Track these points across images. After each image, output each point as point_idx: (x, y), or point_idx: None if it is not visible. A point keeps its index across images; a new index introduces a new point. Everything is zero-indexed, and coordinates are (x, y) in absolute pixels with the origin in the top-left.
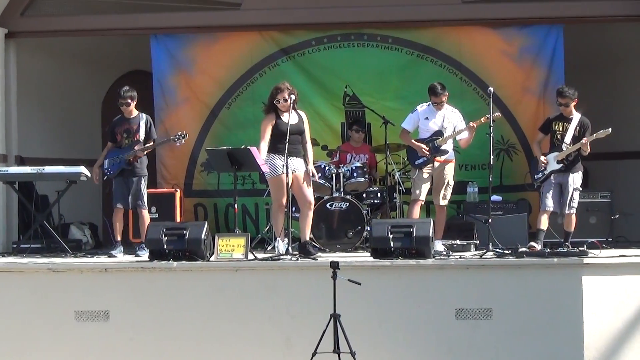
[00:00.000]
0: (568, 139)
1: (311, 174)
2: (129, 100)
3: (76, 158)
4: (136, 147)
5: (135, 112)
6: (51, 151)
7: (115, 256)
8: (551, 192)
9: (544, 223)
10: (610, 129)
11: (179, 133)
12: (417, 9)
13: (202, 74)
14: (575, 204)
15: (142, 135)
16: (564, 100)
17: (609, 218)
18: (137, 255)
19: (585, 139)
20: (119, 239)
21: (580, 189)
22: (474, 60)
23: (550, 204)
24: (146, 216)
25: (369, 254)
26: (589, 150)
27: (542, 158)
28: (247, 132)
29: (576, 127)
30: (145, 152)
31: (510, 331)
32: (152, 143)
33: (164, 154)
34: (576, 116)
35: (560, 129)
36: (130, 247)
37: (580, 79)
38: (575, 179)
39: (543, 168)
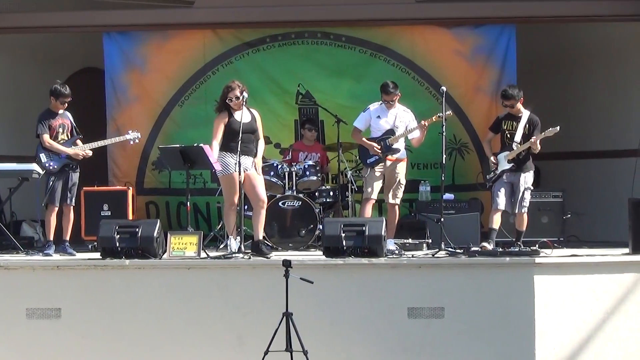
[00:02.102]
0: (518, 137)
1: (256, 168)
2: (70, 97)
3: (28, 155)
4: (80, 143)
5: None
6: (3, 148)
7: (52, 255)
8: (503, 191)
9: (496, 222)
10: (558, 127)
11: (131, 131)
12: (371, 8)
13: (155, 71)
14: (526, 204)
15: (75, 130)
16: (509, 102)
17: (561, 218)
18: (69, 254)
19: (534, 137)
20: (52, 238)
21: (532, 188)
22: (427, 59)
23: (501, 203)
24: (72, 213)
25: (321, 253)
26: (539, 148)
27: (492, 158)
28: (199, 130)
29: (525, 125)
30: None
31: (463, 330)
32: (109, 139)
33: (115, 152)
34: (525, 114)
35: (510, 128)
36: (83, 245)
37: (533, 79)
38: (526, 179)
39: (494, 168)
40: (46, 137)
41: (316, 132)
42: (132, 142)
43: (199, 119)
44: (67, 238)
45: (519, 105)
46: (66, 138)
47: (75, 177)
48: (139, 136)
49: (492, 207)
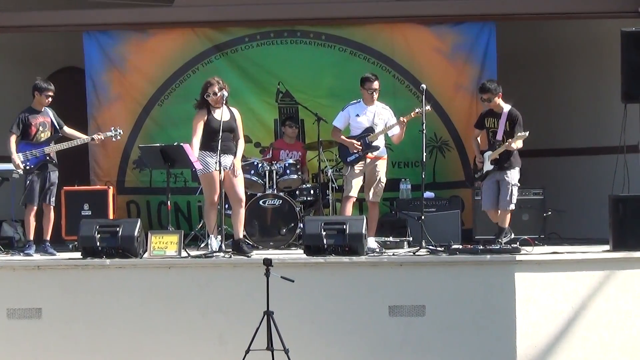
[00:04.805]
0: (499, 134)
1: (233, 169)
2: (53, 92)
3: (8, 155)
4: (54, 140)
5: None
6: None
7: (32, 255)
8: (489, 190)
9: (507, 221)
10: (527, 132)
11: (113, 128)
12: (351, 6)
13: (135, 70)
14: (512, 200)
15: (56, 126)
16: (486, 95)
17: (542, 215)
18: (50, 254)
19: (508, 141)
20: (31, 238)
21: (518, 184)
22: (407, 57)
23: (486, 203)
24: (53, 213)
25: (302, 251)
26: (515, 148)
27: (478, 157)
28: (180, 129)
29: (506, 122)
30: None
31: (444, 328)
32: (86, 136)
33: (96, 151)
34: (505, 109)
35: (492, 125)
36: (63, 244)
37: (514, 76)
38: (512, 175)
39: (480, 167)
40: (12, 139)
41: (297, 128)
42: (114, 139)
43: (179, 118)
44: (48, 238)
45: (498, 101)
46: (49, 135)
47: (54, 176)
48: (121, 132)
49: (483, 207)
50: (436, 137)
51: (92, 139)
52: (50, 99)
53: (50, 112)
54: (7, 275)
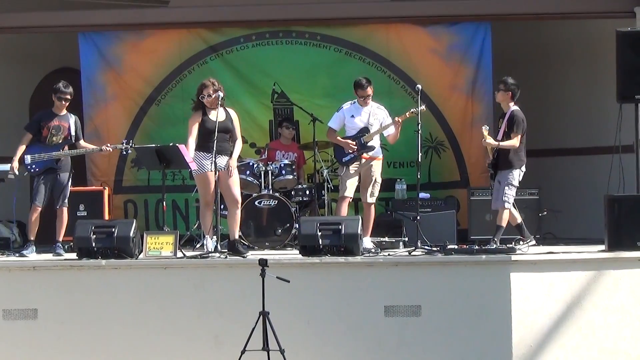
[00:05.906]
0: (500, 135)
1: (229, 169)
2: (69, 96)
3: (3, 156)
4: (67, 147)
5: (65, 110)
6: None
7: (27, 256)
8: (494, 190)
9: (505, 220)
10: (498, 143)
11: (125, 141)
12: (346, 6)
13: (131, 71)
14: (506, 199)
15: (72, 135)
16: (499, 85)
17: (537, 215)
18: (57, 254)
19: (492, 143)
20: (32, 238)
21: (515, 185)
22: (402, 57)
23: (494, 202)
24: (66, 215)
25: (297, 252)
26: (493, 144)
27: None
28: (177, 128)
29: (506, 123)
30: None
31: (439, 328)
32: (95, 146)
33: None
34: (509, 111)
35: (500, 126)
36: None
37: (509, 76)
38: (506, 175)
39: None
40: (23, 139)
41: (294, 130)
42: (124, 152)
43: (176, 118)
44: (60, 239)
45: (506, 99)
46: (61, 140)
47: (63, 177)
48: (133, 146)
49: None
50: (431, 137)
51: (101, 150)
52: (64, 102)
53: (72, 120)
54: (2, 276)
